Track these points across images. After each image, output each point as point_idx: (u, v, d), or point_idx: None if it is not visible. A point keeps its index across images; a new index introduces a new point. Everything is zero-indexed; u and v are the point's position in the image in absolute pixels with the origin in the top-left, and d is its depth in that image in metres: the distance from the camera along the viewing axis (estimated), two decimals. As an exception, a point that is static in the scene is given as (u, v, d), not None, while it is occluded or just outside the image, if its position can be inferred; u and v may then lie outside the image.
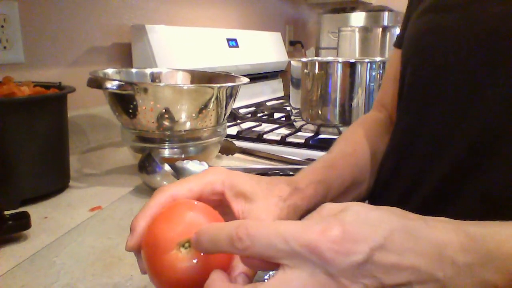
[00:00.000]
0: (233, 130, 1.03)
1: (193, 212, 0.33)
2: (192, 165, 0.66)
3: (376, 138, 0.55)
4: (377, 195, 0.51)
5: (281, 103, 1.51)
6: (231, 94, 0.75)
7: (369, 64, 0.95)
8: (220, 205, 0.37)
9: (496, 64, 0.37)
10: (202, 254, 0.30)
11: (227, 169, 0.39)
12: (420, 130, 0.45)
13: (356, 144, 0.53)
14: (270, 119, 1.18)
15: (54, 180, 0.66)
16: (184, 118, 0.70)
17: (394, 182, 0.48)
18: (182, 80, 0.90)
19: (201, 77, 0.89)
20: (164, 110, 0.68)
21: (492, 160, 0.37)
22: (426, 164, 0.44)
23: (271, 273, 0.44)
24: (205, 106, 0.70)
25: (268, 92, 1.63)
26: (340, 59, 1.00)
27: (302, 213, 0.39)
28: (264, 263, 0.27)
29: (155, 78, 0.89)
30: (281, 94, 1.71)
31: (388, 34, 1.42)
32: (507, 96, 0.36)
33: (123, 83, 0.66)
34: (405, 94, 0.49)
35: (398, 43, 0.57)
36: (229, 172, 0.38)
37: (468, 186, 0.39)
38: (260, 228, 0.26)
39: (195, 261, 0.30)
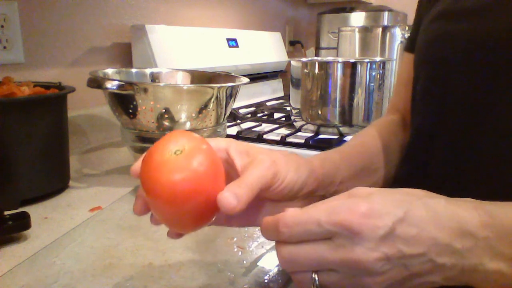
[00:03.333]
0: (233, 130, 1.03)
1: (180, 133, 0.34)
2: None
3: (388, 134, 0.55)
4: None
5: (281, 103, 1.50)
6: (231, 94, 0.75)
7: (369, 64, 0.95)
8: (225, 165, 0.38)
9: (508, 74, 0.37)
10: (191, 168, 0.31)
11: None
12: (434, 134, 0.45)
13: (365, 137, 0.54)
14: (270, 119, 1.18)
15: (54, 180, 0.66)
16: (184, 118, 0.69)
17: (411, 186, 0.49)
18: (182, 80, 0.90)
19: (201, 77, 0.89)
20: (164, 110, 0.68)
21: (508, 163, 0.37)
22: (442, 168, 0.44)
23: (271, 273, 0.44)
24: (205, 106, 0.70)
25: (268, 92, 1.63)
26: (340, 59, 1.00)
27: (304, 179, 0.38)
28: None
29: (155, 78, 0.89)
30: (281, 94, 1.71)
31: (388, 34, 1.42)
32: None
33: (123, 83, 0.66)
34: (419, 100, 0.49)
35: (409, 47, 0.57)
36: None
37: (486, 188, 0.39)
38: (295, 218, 0.30)
39: (184, 173, 0.31)
